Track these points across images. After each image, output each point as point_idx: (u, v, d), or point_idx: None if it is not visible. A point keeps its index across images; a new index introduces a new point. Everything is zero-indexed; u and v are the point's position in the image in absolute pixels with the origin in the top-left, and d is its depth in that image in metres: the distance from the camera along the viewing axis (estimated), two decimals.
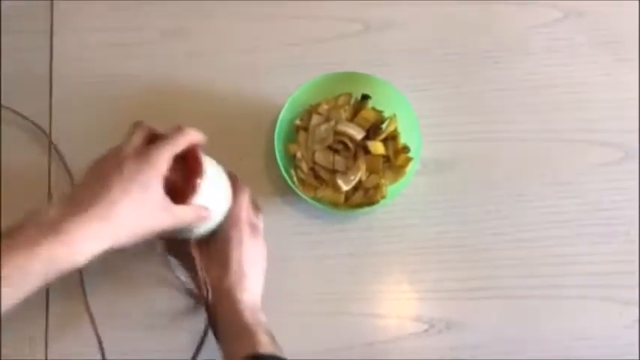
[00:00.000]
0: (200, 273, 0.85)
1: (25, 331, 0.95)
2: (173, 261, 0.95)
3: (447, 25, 1.08)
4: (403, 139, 1.00)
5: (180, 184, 0.76)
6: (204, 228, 0.84)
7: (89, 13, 1.07)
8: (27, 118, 1.01)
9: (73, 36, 1.06)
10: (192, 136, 0.77)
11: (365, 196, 0.98)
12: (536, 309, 0.98)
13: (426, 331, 0.97)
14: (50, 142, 1.01)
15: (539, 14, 1.09)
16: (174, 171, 0.75)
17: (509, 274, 0.99)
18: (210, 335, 0.87)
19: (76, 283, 0.95)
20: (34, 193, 1.00)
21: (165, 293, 0.97)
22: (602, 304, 0.98)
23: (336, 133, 0.98)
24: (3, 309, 0.66)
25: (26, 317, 0.94)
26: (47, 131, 1.02)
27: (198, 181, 0.77)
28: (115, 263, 0.95)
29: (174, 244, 0.92)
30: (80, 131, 1.02)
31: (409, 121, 0.97)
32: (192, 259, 0.86)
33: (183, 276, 0.95)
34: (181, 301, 0.97)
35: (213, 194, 0.82)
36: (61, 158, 1.01)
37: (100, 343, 0.92)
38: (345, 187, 0.96)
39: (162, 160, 0.74)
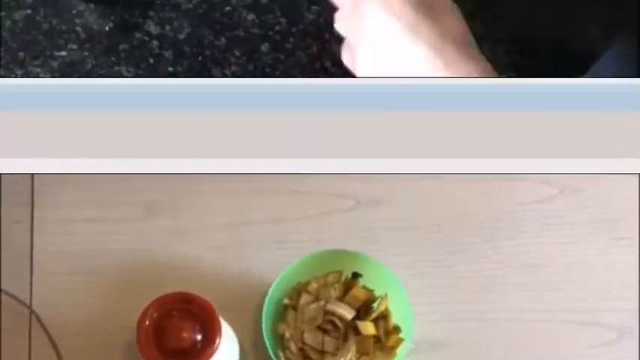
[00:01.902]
0: None
1: None
2: None
3: (440, 202, 1.07)
4: (394, 319, 0.97)
5: (199, 345, 0.79)
6: None
7: (71, 187, 1.06)
8: (8, 293, 0.99)
9: (55, 209, 1.04)
10: None
11: None
12: None
13: None
14: (31, 312, 0.98)
15: (534, 191, 1.08)
16: (192, 332, 0.79)
17: None
18: None
19: None
20: None
21: None
22: None
23: (326, 312, 0.96)
24: None
25: None
26: (28, 303, 0.99)
27: (218, 340, 0.79)
28: None
29: None
30: (63, 304, 0.99)
31: (400, 301, 0.96)
32: None
33: None
34: None
35: (228, 352, 0.86)
36: (45, 329, 0.98)
37: None
38: None
39: None
